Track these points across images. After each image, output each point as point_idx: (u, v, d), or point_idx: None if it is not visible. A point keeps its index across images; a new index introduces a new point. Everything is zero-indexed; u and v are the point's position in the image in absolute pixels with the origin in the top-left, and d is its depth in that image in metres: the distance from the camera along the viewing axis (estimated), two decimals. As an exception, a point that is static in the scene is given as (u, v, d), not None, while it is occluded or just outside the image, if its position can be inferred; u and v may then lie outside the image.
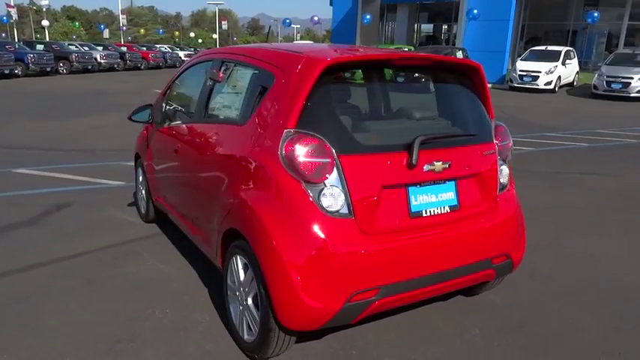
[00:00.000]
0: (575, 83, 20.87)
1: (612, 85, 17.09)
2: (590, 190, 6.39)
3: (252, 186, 2.54)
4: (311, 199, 2.34)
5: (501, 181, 2.90)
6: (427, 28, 31.95)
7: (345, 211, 2.37)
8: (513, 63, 21.50)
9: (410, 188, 2.54)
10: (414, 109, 2.78)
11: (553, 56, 18.88)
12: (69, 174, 6.58)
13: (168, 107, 4.08)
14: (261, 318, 2.51)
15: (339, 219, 2.36)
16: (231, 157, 2.79)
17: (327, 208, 2.35)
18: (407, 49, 21.45)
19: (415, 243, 2.49)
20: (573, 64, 20.25)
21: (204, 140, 3.19)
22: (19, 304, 3.28)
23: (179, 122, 3.78)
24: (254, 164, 2.56)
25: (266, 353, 2.60)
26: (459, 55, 19.07)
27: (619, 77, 16.97)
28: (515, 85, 18.89)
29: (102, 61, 28.31)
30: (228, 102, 3.07)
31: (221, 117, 3.10)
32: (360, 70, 2.83)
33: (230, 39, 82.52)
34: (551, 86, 18.62)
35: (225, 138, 2.93)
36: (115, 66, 29.37)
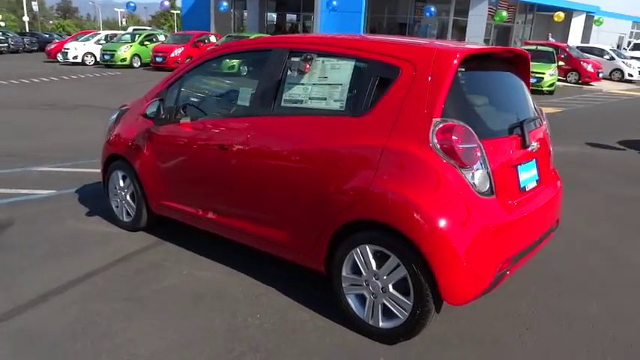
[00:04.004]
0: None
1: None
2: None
3: (396, 175, 2.58)
4: (467, 182, 2.51)
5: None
6: (275, 17, 32.42)
7: (490, 191, 2.60)
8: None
9: (519, 167, 2.87)
10: (508, 95, 3.09)
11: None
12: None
13: (188, 100, 3.73)
14: (414, 302, 2.60)
15: (487, 198, 2.58)
16: (347, 149, 2.76)
17: (479, 189, 2.55)
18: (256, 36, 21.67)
19: (529, 215, 2.83)
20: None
21: (285, 134, 3.06)
22: (76, 340, 2.78)
23: (214, 115, 3.50)
24: (393, 153, 2.60)
25: (412, 335, 2.70)
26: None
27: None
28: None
29: None
30: (318, 94, 2.97)
31: (311, 109, 2.98)
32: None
33: (38, 22, 72.39)
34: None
35: (327, 130, 2.87)
36: None
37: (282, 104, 3.13)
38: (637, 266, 3.98)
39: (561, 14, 24.37)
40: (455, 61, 2.57)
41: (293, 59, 3.04)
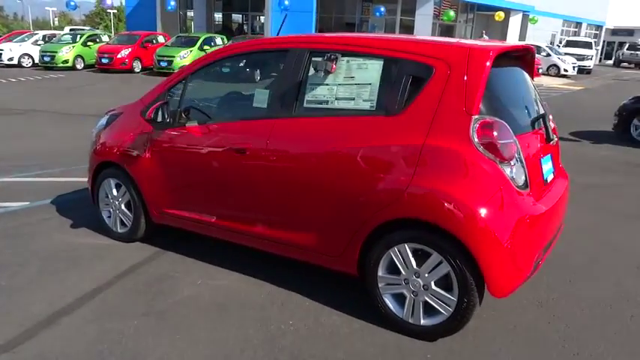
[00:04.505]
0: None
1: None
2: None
3: (437, 172, 2.58)
4: (506, 176, 2.56)
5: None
6: (227, 17, 31.80)
7: (525, 184, 2.67)
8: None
9: (541, 160, 2.96)
10: (522, 90, 3.16)
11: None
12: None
13: (194, 103, 3.58)
14: (459, 297, 2.62)
15: (523, 192, 2.64)
16: (382, 148, 2.74)
17: (517, 183, 2.61)
18: (219, 38, 21.23)
19: (554, 206, 2.93)
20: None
21: (311, 135, 2.99)
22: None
23: (224, 119, 3.36)
24: (433, 151, 2.60)
25: (455, 330, 2.72)
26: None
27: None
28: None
29: None
30: (344, 94, 2.92)
31: (338, 109, 2.93)
32: None
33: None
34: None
35: (357, 130, 2.83)
36: None
37: (305, 105, 3.06)
38: (631, 249, 4.21)
39: (502, 14, 25.51)
40: (488, 60, 2.62)
41: (317, 59, 2.98)
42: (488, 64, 2.60)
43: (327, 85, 2.99)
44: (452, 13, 23.49)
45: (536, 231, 2.67)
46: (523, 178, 2.65)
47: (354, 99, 2.91)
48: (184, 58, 18.81)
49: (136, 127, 3.86)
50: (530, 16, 30.35)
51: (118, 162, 3.95)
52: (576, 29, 40.07)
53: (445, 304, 2.67)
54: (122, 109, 4.18)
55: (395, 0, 26.39)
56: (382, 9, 22.65)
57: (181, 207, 3.70)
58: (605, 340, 2.87)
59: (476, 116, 2.55)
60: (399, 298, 2.84)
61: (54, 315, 3.03)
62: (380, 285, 2.86)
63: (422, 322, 2.77)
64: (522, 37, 32.87)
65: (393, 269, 2.82)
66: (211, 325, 2.95)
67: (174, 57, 18.79)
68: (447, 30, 30.14)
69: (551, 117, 3.45)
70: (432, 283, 2.69)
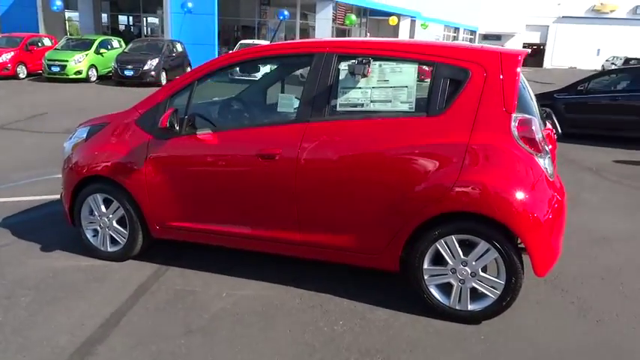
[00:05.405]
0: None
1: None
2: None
3: (484, 167, 2.80)
4: (542, 167, 2.86)
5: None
6: (114, 19, 29.85)
7: (552, 174, 2.99)
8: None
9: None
10: (526, 90, 3.49)
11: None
12: None
13: (202, 110, 3.45)
14: (506, 280, 2.86)
15: (552, 181, 2.97)
16: (425, 147, 2.90)
17: (549, 173, 2.93)
18: (116, 41, 19.93)
19: (564, 194, 3.29)
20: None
21: (349, 138, 3.05)
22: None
23: (241, 125, 3.30)
24: (479, 148, 2.82)
25: (501, 311, 2.96)
26: (179, 47, 19.06)
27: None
28: (236, 77, 20.20)
29: None
30: (380, 96, 3.02)
31: (374, 112, 3.02)
32: None
33: None
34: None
35: (398, 131, 2.96)
36: None
37: (338, 109, 3.12)
38: (621, 240, 4.50)
39: (395, 18, 27.12)
40: (518, 63, 2.90)
41: (350, 63, 3.06)
42: (519, 67, 2.89)
43: (359, 88, 3.08)
44: (353, 17, 24.47)
45: (563, 216, 3.01)
46: (551, 168, 2.98)
47: (391, 101, 3.03)
48: (79, 62, 17.40)
49: (130, 137, 3.61)
50: (422, 22, 32.62)
51: (108, 176, 3.65)
52: (455, 34, 43.78)
53: (493, 288, 2.91)
54: (107, 120, 3.88)
55: (294, 4, 26.79)
56: (286, 12, 22.87)
57: (192, 219, 3.53)
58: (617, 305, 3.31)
59: (514, 114, 2.82)
60: (445, 288, 3.02)
61: (85, 345, 2.77)
62: (425, 277, 3.02)
63: (469, 307, 2.98)
64: (410, 41, 35.09)
65: (437, 261, 2.99)
66: (264, 335, 2.89)
67: (67, 61, 17.25)
68: (342, 34, 31.31)
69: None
70: (479, 269, 2.91)
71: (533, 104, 3.25)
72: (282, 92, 3.40)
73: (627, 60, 32.35)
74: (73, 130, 4.09)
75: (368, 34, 30.13)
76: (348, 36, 31.02)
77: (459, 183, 2.82)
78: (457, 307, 3.00)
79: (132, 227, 3.70)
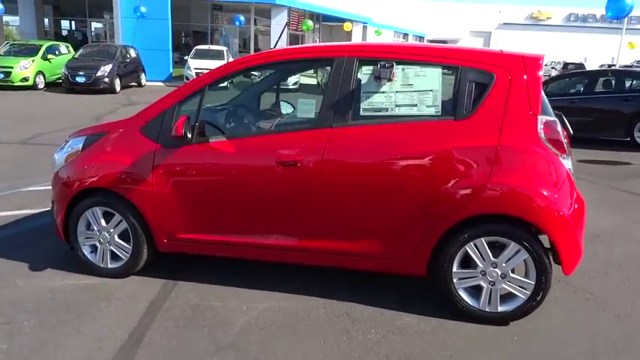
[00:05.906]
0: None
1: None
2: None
3: (514, 169, 2.84)
4: (566, 167, 2.94)
5: None
6: (57, 23, 28.49)
7: (573, 174, 3.07)
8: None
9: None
10: None
11: (218, 55, 20.40)
12: None
13: (214, 117, 3.32)
14: (537, 280, 2.90)
15: (574, 181, 3.05)
16: (453, 150, 2.90)
17: (573, 173, 3.01)
18: (64, 46, 19.00)
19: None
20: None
21: (375, 142, 3.01)
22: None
23: (257, 131, 3.19)
24: (508, 150, 2.85)
25: (530, 311, 3.00)
26: (132, 53, 18.40)
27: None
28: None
29: None
30: (404, 100, 3.00)
31: (399, 116, 2.99)
32: None
33: None
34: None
35: (425, 134, 2.95)
36: None
37: (362, 113, 3.09)
38: (613, 236, 4.70)
39: (350, 24, 27.42)
40: (540, 67, 2.97)
41: (374, 67, 3.03)
42: (541, 70, 2.95)
43: (383, 92, 3.06)
44: (310, 23, 24.53)
45: (584, 215, 3.10)
46: (573, 169, 3.06)
47: (416, 105, 3.02)
48: (25, 68, 16.44)
49: (134, 147, 3.42)
50: (376, 29, 33.18)
51: (110, 188, 3.44)
52: (404, 40, 44.84)
53: (523, 288, 2.95)
54: (105, 129, 3.66)
55: (247, 9, 26.57)
56: (242, 18, 22.63)
57: (205, 230, 3.38)
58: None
59: (540, 117, 2.88)
60: (474, 290, 3.04)
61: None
62: (454, 280, 3.02)
63: (499, 308, 3.00)
64: (362, 46, 35.56)
65: (465, 264, 3.00)
66: (298, 348, 2.80)
67: (12, 67, 16.25)
68: (296, 40, 31.35)
69: None
70: (509, 271, 2.94)
71: (549, 107, 3.35)
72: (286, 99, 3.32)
73: (566, 64, 34.30)
74: (64, 141, 3.84)
75: (317, 40, 30.41)
76: (302, 42, 31.10)
77: (490, 185, 2.84)
78: (487, 309, 3.02)
79: (136, 241, 3.50)
